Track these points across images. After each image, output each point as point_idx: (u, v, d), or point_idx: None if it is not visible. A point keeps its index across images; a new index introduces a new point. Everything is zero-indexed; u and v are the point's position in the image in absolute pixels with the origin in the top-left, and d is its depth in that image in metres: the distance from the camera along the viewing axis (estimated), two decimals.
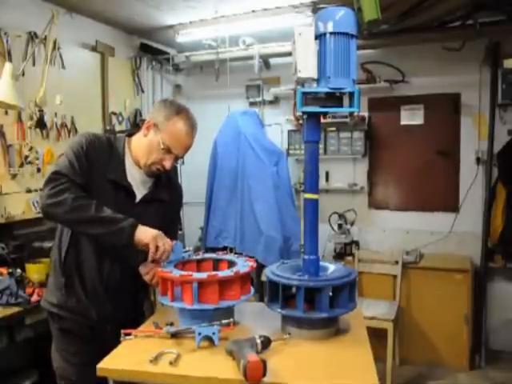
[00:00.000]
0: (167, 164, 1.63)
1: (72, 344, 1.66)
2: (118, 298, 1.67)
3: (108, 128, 3.73)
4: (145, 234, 1.50)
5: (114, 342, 1.41)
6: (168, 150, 1.62)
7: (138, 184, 1.69)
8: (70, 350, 1.66)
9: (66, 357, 1.66)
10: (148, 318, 1.68)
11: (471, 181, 3.84)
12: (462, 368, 3.47)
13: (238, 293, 1.47)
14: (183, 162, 1.71)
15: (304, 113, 1.48)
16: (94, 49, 3.65)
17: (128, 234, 1.48)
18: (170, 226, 1.74)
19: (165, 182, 1.77)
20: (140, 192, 1.69)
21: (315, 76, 1.43)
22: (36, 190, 3.03)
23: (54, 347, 1.71)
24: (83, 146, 1.60)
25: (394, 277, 3.62)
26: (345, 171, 4.24)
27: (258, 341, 1.30)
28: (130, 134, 1.75)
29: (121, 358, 1.32)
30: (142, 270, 1.62)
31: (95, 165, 1.60)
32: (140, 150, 1.66)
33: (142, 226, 1.52)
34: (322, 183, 4.21)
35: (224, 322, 1.41)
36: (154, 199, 1.72)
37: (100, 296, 1.65)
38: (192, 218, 4.25)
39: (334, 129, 4.11)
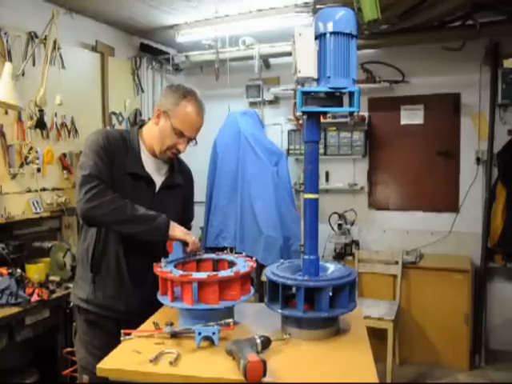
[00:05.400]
0: (181, 147, 1.71)
1: (97, 337, 1.71)
2: (143, 291, 1.71)
3: (108, 128, 3.72)
4: (178, 229, 1.63)
5: None
6: (181, 134, 1.68)
7: (155, 173, 1.76)
8: (94, 343, 1.70)
9: (90, 349, 1.70)
10: None
11: (471, 181, 3.84)
12: (462, 368, 3.47)
13: (238, 293, 1.47)
14: (196, 143, 1.77)
15: (304, 112, 1.48)
16: (94, 49, 3.65)
17: (165, 230, 1.59)
18: (187, 211, 1.93)
19: (177, 167, 1.85)
20: (158, 180, 1.77)
21: (315, 76, 1.43)
22: (36, 190, 3.03)
23: (77, 339, 1.77)
24: (101, 143, 1.66)
25: (394, 277, 3.63)
26: (345, 171, 4.24)
27: (258, 341, 1.29)
28: (141, 126, 1.81)
29: (121, 358, 1.31)
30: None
31: (114, 160, 1.67)
32: (153, 138, 1.73)
33: (172, 222, 1.62)
34: (322, 183, 4.21)
35: (224, 322, 1.40)
36: (172, 185, 1.80)
37: (127, 289, 1.71)
38: None
39: (334, 129, 4.11)
